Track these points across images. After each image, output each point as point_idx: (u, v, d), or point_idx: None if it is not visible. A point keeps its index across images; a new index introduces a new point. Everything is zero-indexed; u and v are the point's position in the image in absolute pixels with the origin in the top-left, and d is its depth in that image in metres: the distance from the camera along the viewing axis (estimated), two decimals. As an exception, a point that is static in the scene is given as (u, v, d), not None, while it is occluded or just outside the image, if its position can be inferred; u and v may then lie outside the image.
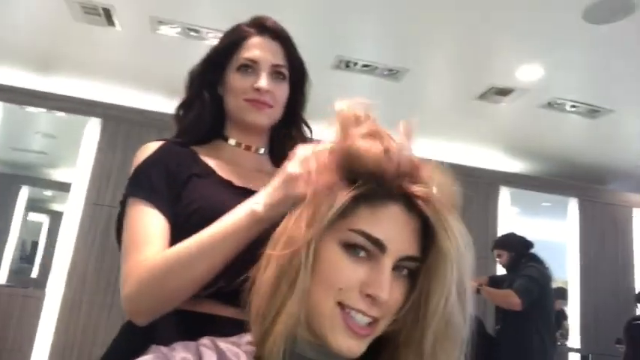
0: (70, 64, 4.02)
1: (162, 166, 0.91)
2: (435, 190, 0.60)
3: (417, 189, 0.59)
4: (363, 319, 0.58)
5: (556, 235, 6.11)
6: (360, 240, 0.57)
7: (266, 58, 0.98)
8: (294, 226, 0.60)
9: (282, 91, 1.00)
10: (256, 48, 0.99)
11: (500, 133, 4.62)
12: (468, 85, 3.76)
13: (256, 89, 0.95)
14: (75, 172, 4.27)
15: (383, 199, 0.59)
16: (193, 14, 3.15)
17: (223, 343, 0.62)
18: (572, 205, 5.36)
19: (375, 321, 0.59)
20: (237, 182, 0.94)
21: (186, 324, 0.82)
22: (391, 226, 0.58)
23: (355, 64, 3.52)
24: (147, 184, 0.88)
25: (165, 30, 3.33)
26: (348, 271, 0.57)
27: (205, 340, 0.62)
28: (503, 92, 3.75)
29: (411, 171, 0.60)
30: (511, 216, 5.22)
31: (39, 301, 4.00)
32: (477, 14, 2.86)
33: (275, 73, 0.99)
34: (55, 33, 3.57)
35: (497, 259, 3.53)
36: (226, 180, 0.94)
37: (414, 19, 2.99)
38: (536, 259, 3.37)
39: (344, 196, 0.58)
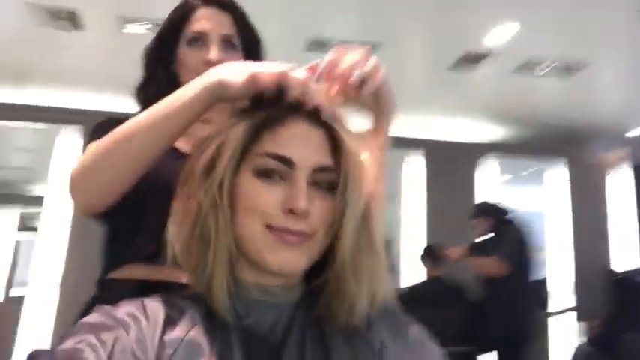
0: (41, 73, 3.98)
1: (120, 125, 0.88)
2: (324, 102, 0.62)
3: (309, 102, 0.61)
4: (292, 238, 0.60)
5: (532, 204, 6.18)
6: (268, 162, 0.59)
7: (214, 29, 0.97)
8: (200, 169, 0.61)
9: (236, 60, 0.98)
10: (204, 19, 0.98)
11: (478, 101, 4.64)
12: (440, 56, 3.77)
13: (206, 62, 0.93)
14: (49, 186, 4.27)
15: (283, 120, 0.61)
16: (161, 8, 3.12)
17: (170, 296, 0.62)
18: (552, 171, 5.43)
19: (306, 236, 0.60)
20: (183, 148, 0.89)
21: (145, 293, 0.82)
22: (295, 142, 0.60)
23: (326, 44, 3.52)
24: (104, 132, 0.82)
25: (133, 28, 3.31)
26: (265, 195, 0.59)
27: (155, 295, 0.62)
28: (476, 58, 3.77)
29: (300, 89, 0.61)
30: (503, 186, 5.26)
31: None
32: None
33: (225, 43, 0.98)
34: (21, 42, 3.54)
35: (478, 228, 3.55)
36: (174, 147, 0.89)
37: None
38: (513, 225, 3.39)
39: (241, 126, 0.60)
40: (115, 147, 0.73)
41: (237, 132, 0.60)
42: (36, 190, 7.10)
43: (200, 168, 0.60)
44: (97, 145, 0.76)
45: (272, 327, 0.61)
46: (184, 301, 0.61)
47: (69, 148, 4.20)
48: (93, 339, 0.52)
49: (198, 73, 0.92)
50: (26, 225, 7.50)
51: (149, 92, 0.99)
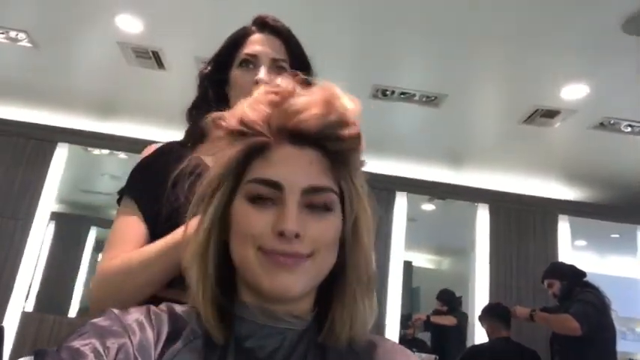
0: (127, 107, 4.31)
1: (154, 168, 0.96)
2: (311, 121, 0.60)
3: (293, 126, 0.59)
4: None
5: (627, 270, 5.73)
6: (258, 188, 0.59)
7: (265, 52, 1.02)
8: (196, 198, 0.64)
9: None
10: (257, 43, 1.03)
11: (552, 158, 4.44)
12: (512, 109, 3.68)
13: (256, 82, 0.96)
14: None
15: (272, 147, 0.60)
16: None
17: (180, 307, 0.63)
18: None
19: (302, 257, 0.59)
20: None
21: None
22: (283, 165, 0.59)
23: (392, 92, 3.55)
24: (137, 186, 0.95)
25: (210, 69, 3.53)
26: (256, 219, 0.59)
27: (162, 305, 0.63)
28: (550, 114, 3.63)
29: (286, 112, 0.60)
30: (575, 250, 4.94)
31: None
32: (515, 33, 2.83)
33: (276, 67, 1.01)
34: (111, 78, 3.87)
35: (549, 290, 3.34)
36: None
37: (450, 43, 2.99)
38: (591, 286, 3.17)
39: (232, 154, 0.61)
40: (135, 270, 0.84)
41: (227, 160, 0.61)
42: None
43: (196, 196, 0.63)
44: (119, 266, 0.86)
45: (272, 352, 0.60)
46: (191, 314, 0.62)
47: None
48: (98, 344, 0.53)
49: (248, 93, 0.99)
50: (101, 246, 7.95)
51: (200, 112, 1.03)
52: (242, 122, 0.61)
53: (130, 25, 3.13)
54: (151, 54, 3.43)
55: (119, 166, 5.42)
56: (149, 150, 1.02)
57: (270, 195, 0.59)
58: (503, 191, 4.89)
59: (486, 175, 4.82)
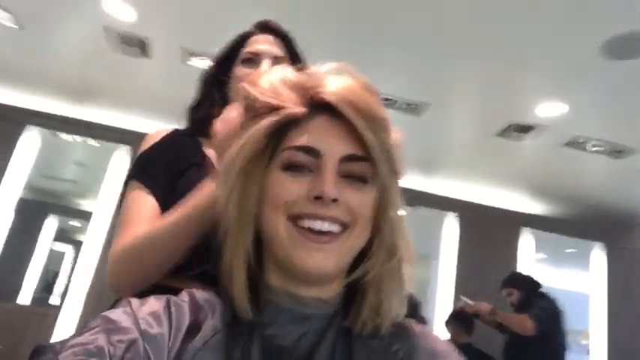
0: (104, 93, 4.21)
1: (164, 154, 0.97)
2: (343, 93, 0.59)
3: (327, 97, 0.58)
4: (322, 225, 0.56)
5: (578, 285, 5.98)
6: (294, 155, 0.57)
7: (267, 50, 1.06)
8: (225, 167, 0.61)
9: None
10: (259, 43, 1.07)
11: (522, 172, 4.60)
12: (488, 122, 3.79)
13: None
14: (98, 202, 4.43)
15: (307, 117, 0.59)
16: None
17: (202, 295, 0.61)
18: (597, 252, 5.27)
19: (342, 229, 0.57)
20: None
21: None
22: (319, 133, 0.58)
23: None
24: (147, 170, 0.95)
25: (195, 62, 3.50)
26: (291, 186, 0.57)
27: (183, 293, 0.61)
28: (524, 129, 3.77)
29: (316, 84, 0.60)
30: (534, 262, 5.15)
31: (54, 319, 4.07)
32: (496, 49, 2.93)
33: (276, 64, 1.02)
34: (92, 62, 3.78)
35: (508, 298, 3.48)
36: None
37: (435, 53, 3.06)
38: (547, 298, 3.33)
39: (265, 124, 0.59)
40: (158, 240, 0.82)
41: (260, 130, 0.58)
42: (81, 204, 7.35)
43: (225, 165, 0.60)
44: (135, 239, 0.84)
45: (299, 339, 0.57)
46: (215, 297, 0.61)
47: (121, 167, 4.37)
48: (104, 341, 0.50)
49: None
50: (63, 236, 7.71)
51: (201, 111, 1.06)
52: (276, 93, 0.59)
53: (118, 10, 3.06)
54: (136, 41, 3.37)
55: (88, 153, 5.28)
56: (156, 136, 1.02)
57: (307, 162, 0.57)
58: (472, 201, 5.04)
59: (456, 184, 4.96)
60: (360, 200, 0.58)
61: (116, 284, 0.85)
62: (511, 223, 5.05)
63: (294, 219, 0.57)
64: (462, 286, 4.68)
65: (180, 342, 0.54)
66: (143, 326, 0.53)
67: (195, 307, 0.58)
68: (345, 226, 0.57)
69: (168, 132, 1.03)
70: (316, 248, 0.56)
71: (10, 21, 3.37)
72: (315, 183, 0.56)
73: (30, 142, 4.51)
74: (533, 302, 3.29)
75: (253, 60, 1.05)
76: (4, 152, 4.35)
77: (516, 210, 5.13)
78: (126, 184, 0.97)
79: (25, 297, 6.60)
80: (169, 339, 0.54)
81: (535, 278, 3.52)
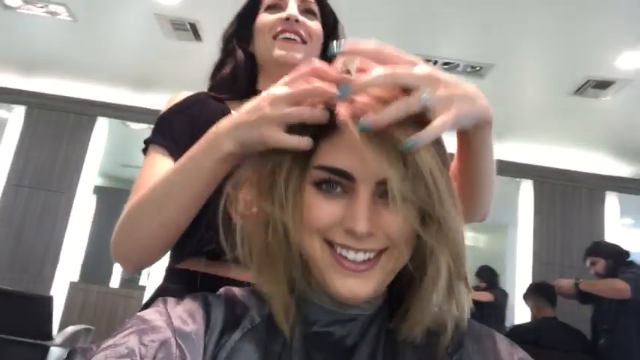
0: (163, 80, 4.31)
1: (186, 116, 0.89)
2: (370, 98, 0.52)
3: (357, 106, 0.51)
4: (356, 256, 0.53)
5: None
6: (325, 175, 0.53)
7: None
8: (259, 180, 0.57)
9: (316, 26, 0.95)
10: None
11: (603, 131, 4.24)
12: (561, 80, 3.51)
13: (285, 19, 0.91)
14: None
15: (338, 127, 0.52)
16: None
17: (239, 291, 0.60)
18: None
19: (378, 255, 0.53)
20: None
21: (209, 286, 0.80)
22: (352, 152, 0.52)
23: (435, 62, 3.42)
24: (168, 132, 0.87)
25: (247, 41, 3.48)
26: (323, 210, 0.53)
27: (221, 290, 0.60)
28: (603, 85, 3.44)
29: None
30: (620, 229, 4.77)
31: (139, 300, 4.28)
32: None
33: (304, 11, 0.94)
34: (148, 50, 3.86)
35: (592, 267, 3.21)
36: None
37: (496, 7, 2.84)
38: (636, 266, 3.05)
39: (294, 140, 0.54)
40: (156, 194, 0.70)
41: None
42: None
43: (259, 179, 0.57)
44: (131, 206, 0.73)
45: (341, 338, 0.56)
46: (252, 297, 0.59)
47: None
48: (135, 342, 0.49)
49: (274, 34, 0.91)
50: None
51: (225, 71, 0.98)
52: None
53: (165, -5, 3.09)
54: (188, 26, 3.39)
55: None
56: (177, 98, 0.94)
57: (340, 182, 0.53)
58: (549, 166, 4.72)
59: (531, 149, 4.65)
60: (399, 225, 0.53)
61: (117, 254, 0.77)
62: (593, 187, 4.69)
63: (330, 243, 0.54)
64: (539, 257, 4.42)
65: (216, 338, 0.54)
66: (177, 324, 0.53)
67: (231, 303, 0.58)
68: (383, 250, 0.54)
69: (191, 93, 0.96)
70: (352, 275, 0.53)
71: (67, 15, 3.50)
72: (348, 212, 0.52)
73: (102, 132, 4.74)
74: (620, 272, 3.03)
75: (277, 5, 0.95)
76: (82, 144, 4.61)
77: (598, 172, 4.74)
78: (144, 150, 0.90)
79: (116, 280, 7.06)
80: (205, 335, 0.54)
81: (622, 246, 3.26)
